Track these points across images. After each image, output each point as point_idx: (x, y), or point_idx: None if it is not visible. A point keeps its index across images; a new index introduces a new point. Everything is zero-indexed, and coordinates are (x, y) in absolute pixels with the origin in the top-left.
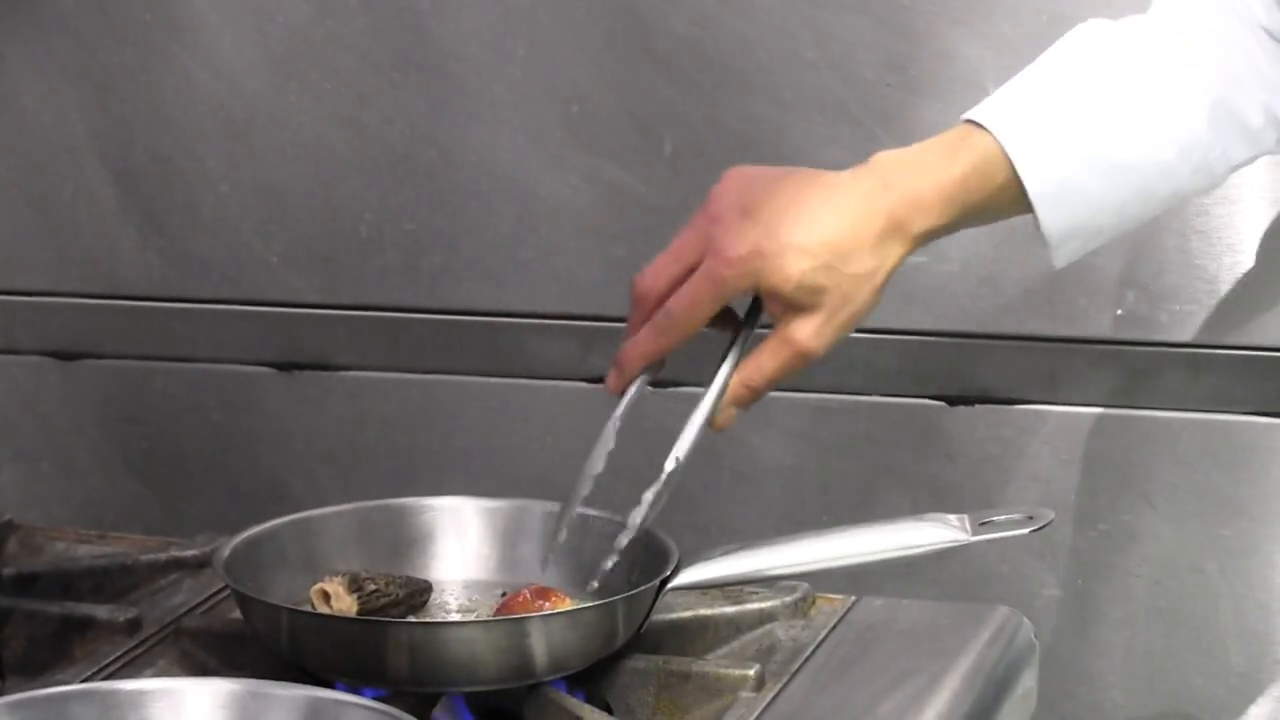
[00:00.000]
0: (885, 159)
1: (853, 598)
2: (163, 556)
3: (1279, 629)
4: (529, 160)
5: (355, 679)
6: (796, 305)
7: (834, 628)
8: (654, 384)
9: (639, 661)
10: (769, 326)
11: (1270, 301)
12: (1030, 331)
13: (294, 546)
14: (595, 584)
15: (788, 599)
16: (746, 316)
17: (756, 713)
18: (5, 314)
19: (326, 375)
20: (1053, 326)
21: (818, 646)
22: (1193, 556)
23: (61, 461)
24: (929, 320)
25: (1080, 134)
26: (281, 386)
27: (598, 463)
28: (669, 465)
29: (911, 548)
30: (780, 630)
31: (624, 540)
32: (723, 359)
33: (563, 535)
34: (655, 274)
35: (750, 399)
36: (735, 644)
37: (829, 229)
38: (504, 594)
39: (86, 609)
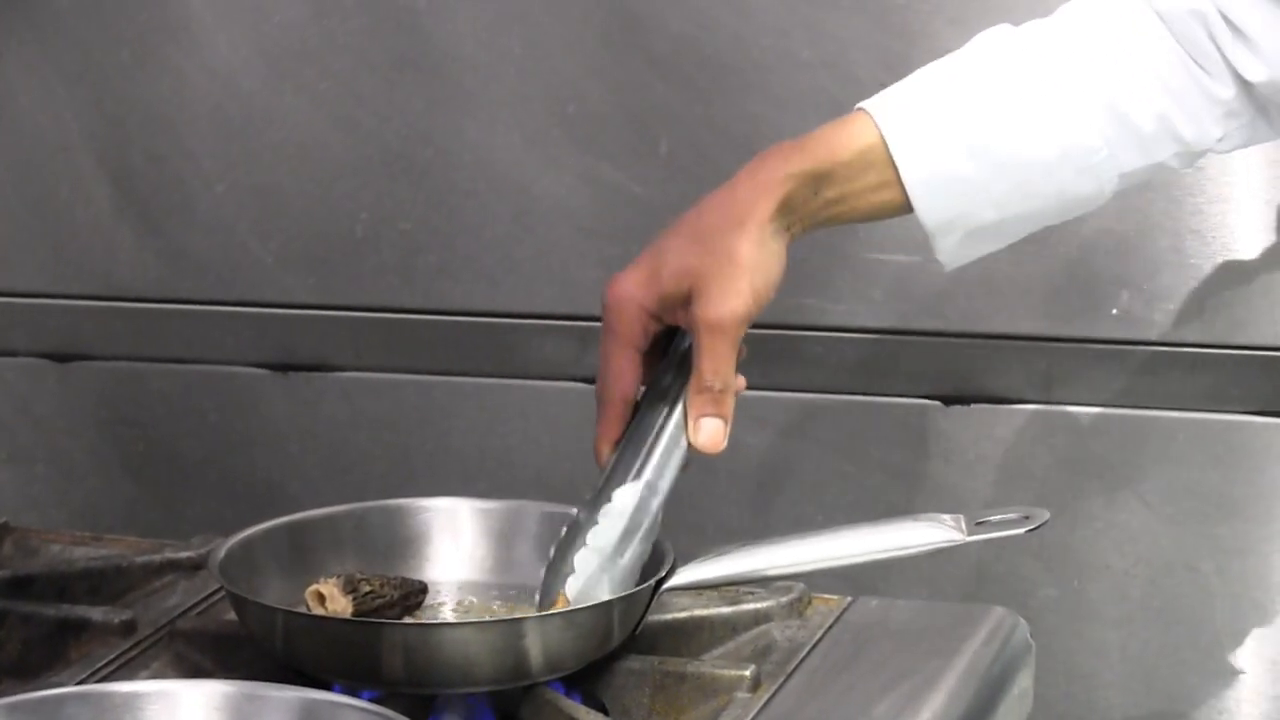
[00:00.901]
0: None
1: (848, 598)
2: (158, 558)
3: (1275, 628)
4: (525, 160)
5: (350, 680)
6: (682, 295)
7: (830, 628)
8: None
9: (635, 662)
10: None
11: (1265, 301)
12: (1026, 331)
13: (289, 548)
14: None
15: (783, 599)
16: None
17: (752, 713)
18: (0, 315)
19: (322, 376)
20: (1048, 326)
21: (813, 647)
22: (1188, 556)
23: (57, 463)
24: (924, 320)
25: (961, 124)
26: (277, 387)
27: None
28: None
29: (907, 548)
30: (776, 631)
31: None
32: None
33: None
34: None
35: (714, 406)
36: (731, 644)
37: (690, 214)
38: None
39: (82, 611)
